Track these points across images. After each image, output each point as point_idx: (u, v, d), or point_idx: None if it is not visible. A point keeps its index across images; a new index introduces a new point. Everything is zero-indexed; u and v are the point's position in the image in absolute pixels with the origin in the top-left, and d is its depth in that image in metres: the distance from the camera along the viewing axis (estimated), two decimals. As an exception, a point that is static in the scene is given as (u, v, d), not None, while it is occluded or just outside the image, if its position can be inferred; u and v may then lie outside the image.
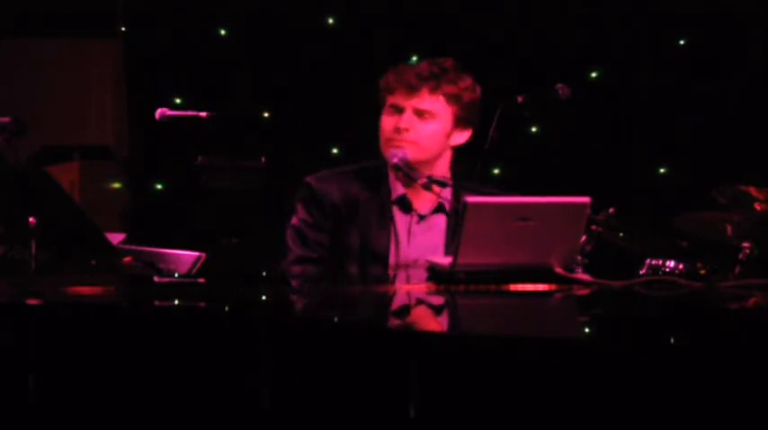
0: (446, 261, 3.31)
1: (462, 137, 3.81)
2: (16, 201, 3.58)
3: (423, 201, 3.81)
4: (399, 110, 3.74)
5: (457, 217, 3.74)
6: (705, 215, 3.72)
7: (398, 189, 3.80)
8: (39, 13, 6.73)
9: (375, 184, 3.80)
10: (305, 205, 3.81)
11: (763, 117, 6.06)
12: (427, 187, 3.67)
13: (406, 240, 3.78)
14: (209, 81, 6.42)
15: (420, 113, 3.73)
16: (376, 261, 3.75)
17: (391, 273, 3.76)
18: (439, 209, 3.81)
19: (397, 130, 3.72)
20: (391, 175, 3.80)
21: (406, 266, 3.76)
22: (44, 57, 6.85)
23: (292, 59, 6.44)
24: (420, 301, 3.25)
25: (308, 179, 3.83)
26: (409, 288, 3.54)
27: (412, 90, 3.73)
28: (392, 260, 3.77)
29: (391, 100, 3.76)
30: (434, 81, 3.73)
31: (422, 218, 3.80)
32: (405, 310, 3.14)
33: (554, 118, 5.90)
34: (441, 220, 3.81)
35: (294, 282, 3.73)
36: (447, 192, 3.79)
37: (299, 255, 3.76)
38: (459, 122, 3.78)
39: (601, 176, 5.80)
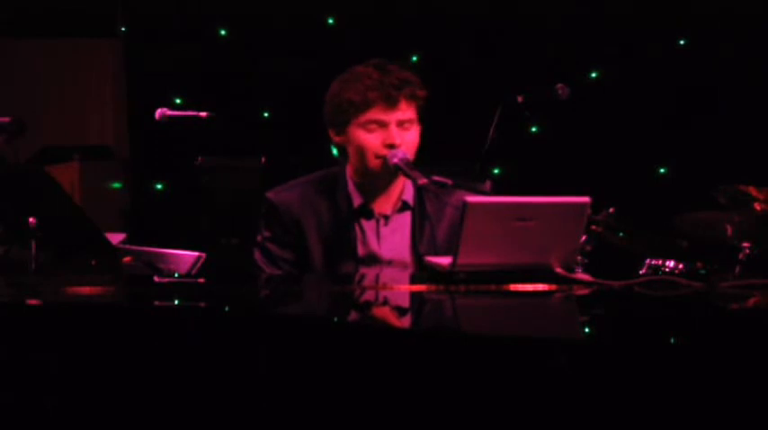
0: (446, 261, 3.31)
1: (418, 131, 3.81)
2: (16, 201, 3.58)
3: (384, 203, 3.80)
4: (383, 124, 3.72)
5: (422, 212, 3.76)
6: (705, 215, 3.71)
7: (357, 198, 3.79)
8: (39, 12, 6.74)
9: (335, 194, 3.79)
10: (266, 222, 3.81)
11: (762, 117, 6.06)
12: (428, 188, 3.67)
13: (376, 243, 3.77)
14: (209, 81, 6.42)
15: (402, 124, 3.73)
16: (344, 257, 3.74)
17: (363, 270, 3.75)
18: (403, 207, 3.81)
19: (389, 146, 3.70)
20: (350, 184, 3.80)
21: (381, 263, 3.76)
22: (44, 57, 6.85)
23: (292, 59, 6.44)
24: (419, 301, 3.25)
25: (269, 194, 3.82)
26: (409, 287, 3.54)
27: (393, 103, 3.70)
28: (362, 254, 3.77)
29: (371, 115, 3.71)
30: (408, 89, 3.71)
31: (387, 219, 3.80)
32: (404, 310, 3.14)
33: (554, 118, 5.90)
34: (406, 219, 3.81)
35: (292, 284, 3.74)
36: (408, 190, 3.79)
37: (268, 275, 3.76)
38: (421, 121, 3.79)
39: (601, 176, 5.80)
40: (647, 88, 6.21)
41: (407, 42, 6.24)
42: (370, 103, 3.71)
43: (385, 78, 3.71)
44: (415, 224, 3.79)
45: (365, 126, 3.72)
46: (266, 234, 3.80)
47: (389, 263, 3.76)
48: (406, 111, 3.72)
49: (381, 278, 3.71)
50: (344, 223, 3.76)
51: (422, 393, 2.62)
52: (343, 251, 3.75)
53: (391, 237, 3.79)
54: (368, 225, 3.79)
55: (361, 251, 3.77)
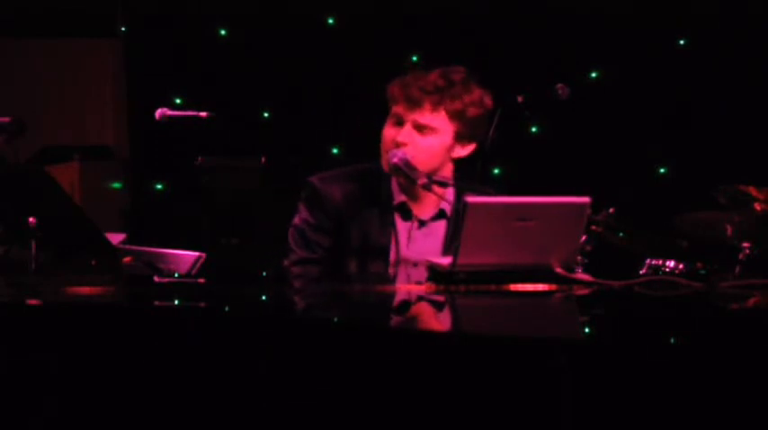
0: (446, 261, 3.31)
1: (465, 150, 3.78)
2: (16, 201, 3.58)
3: (423, 207, 3.80)
4: (401, 121, 3.72)
5: (458, 219, 3.75)
6: (705, 215, 3.71)
7: (399, 196, 3.79)
8: (39, 13, 6.74)
9: (377, 188, 3.79)
10: (308, 206, 3.80)
11: (762, 117, 6.06)
12: (427, 187, 3.67)
13: (405, 243, 3.78)
14: (209, 81, 6.42)
15: (420, 128, 3.71)
16: (376, 257, 3.75)
17: (392, 270, 3.76)
18: (440, 215, 3.81)
19: (396, 144, 3.70)
20: (393, 181, 3.79)
21: (407, 263, 3.76)
22: (44, 57, 6.85)
23: (292, 59, 6.44)
24: (420, 301, 3.25)
25: (312, 179, 3.82)
26: (409, 287, 3.54)
27: (414, 104, 3.69)
28: (392, 257, 3.78)
29: (394, 110, 3.74)
30: (437, 95, 3.68)
31: (422, 224, 3.80)
32: (404, 310, 3.14)
33: (554, 118, 5.90)
34: (441, 226, 3.81)
35: (295, 282, 3.74)
36: (450, 196, 3.78)
37: (300, 257, 3.77)
38: (462, 137, 3.75)
39: (601, 176, 5.80)
40: (647, 88, 6.21)
41: (407, 42, 6.24)
42: (395, 98, 3.73)
43: (422, 80, 3.70)
44: (449, 233, 3.78)
45: (390, 119, 3.74)
46: (307, 218, 3.79)
47: (415, 265, 3.76)
48: (428, 116, 3.69)
49: (403, 278, 3.71)
50: (383, 219, 3.76)
51: (422, 393, 2.62)
52: (377, 247, 3.75)
53: (423, 241, 3.79)
54: (402, 225, 3.79)
55: (392, 246, 3.77)
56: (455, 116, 3.71)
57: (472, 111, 3.72)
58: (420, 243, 3.79)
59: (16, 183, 3.63)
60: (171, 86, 6.39)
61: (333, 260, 3.76)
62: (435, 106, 3.69)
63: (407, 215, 3.80)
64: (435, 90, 3.69)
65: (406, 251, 3.78)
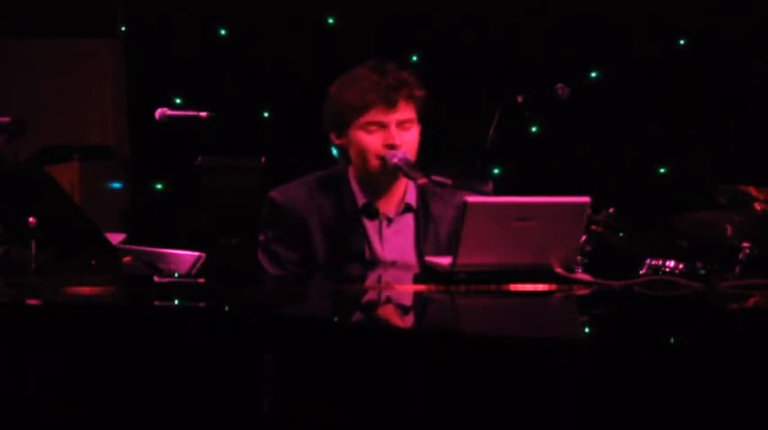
0: (446, 261, 3.31)
1: (418, 131, 3.81)
2: (16, 201, 3.58)
3: (388, 204, 3.79)
4: (383, 125, 3.72)
5: (425, 213, 3.75)
6: (705, 215, 3.72)
7: (362, 197, 3.79)
8: (39, 13, 6.74)
9: (338, 193, 3.79)
10: (271, 222, 3.79)
11: (762, 117, 6.06)
12: (426, 187, 3.67)
13: (378, 244, 3.77)
14: (209, 81, 6.42)
15: (402, 124, 3.72)
16: (352, 261, 3.74)
17: (369, 273, 3.74)
18: (406, 209, 3.81)
19: (390, 147, 3.69)
20: (353, 184, 3.79)
21: (384, 265, 3.76)
22: (44, 57, 6.85)
23: (292, 59, 6.44)
24: (419, 301, 3.25)
25: (272, 194, 3.81)
26: (408, 288, 3.54)
27: (393, 104, 3.70)
28: (367, 258, 3.76)
29: (371, 117, 3.71)
30: (407, 89, 3.71)
31: (390, 220, 3.79)
32: (404, 310, 3.14)
33: (554, 118, 5.90)
34: (409, 220, 3.81)
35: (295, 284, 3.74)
36: (411, 192, 3.78)
37: (273, 275, 3.76)
38: (420, 120, 3.78)
39: (601, 176, 5.80)
40: (647, 88, 6.21)
41: (407, 42, 6.24)
42: (369, 104, 3.70)
43: (383, 79, 3.72)
44: (419, 226, 3.79)
45: (365, 128, 3.72)
46: (271, 234, 3.78)
47: (393, 264, 3.76)
48: (406, 112, 3.72)
49: (384, 279, 3.71)
50: (350, 222, 3.76)
51: (422, 393, 2.62)
52: (349, 251, 3.75)
53: (394, 238, 3.78)
54: (371, 226, 3.78)
55: (365, 248, 3.76)
56: (418, 103, 3.74)
57: (423, 93, 3.76)
58: (392, 241, 3.78)
59: (16, 183, 3.63)
60: (171, 86, 6.39)
61: (307, 271, 3.74)
62: (408, 100, 3.72)
63: (374, 214, 3.79)
64: (402, 85, 3.72)
65: (381, 251, 3.77)
